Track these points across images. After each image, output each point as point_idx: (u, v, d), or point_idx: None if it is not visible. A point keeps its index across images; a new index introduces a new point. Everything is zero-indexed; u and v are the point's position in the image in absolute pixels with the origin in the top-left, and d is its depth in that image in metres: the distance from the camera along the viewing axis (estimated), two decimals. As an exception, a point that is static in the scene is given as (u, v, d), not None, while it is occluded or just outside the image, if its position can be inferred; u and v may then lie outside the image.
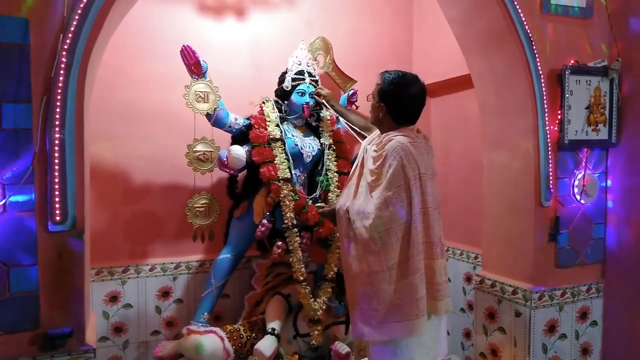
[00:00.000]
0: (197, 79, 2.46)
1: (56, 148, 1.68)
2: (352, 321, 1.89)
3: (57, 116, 1.68)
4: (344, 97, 3.04)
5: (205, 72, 2.48)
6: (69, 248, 1.73)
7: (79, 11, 1.71)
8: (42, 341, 1.70)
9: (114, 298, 2.76)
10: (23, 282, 1.68)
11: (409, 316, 1.76)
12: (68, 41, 1.70)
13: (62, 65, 1.69)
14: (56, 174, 1.69)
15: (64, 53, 1.69)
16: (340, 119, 2.76)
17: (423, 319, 1.77)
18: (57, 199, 1.69)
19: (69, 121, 1.70)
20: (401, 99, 1.92)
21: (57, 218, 1.69)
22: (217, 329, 2.53)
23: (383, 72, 1.98)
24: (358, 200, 1.88)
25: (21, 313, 1.68)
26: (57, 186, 1.69)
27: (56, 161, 1.68)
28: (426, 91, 1.98)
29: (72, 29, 1.71)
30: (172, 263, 2.88)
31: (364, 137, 2.36)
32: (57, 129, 1.68)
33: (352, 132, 2.61)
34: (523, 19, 2.35)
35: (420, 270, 1.79)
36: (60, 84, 1.69)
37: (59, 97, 1.69)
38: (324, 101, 2.73)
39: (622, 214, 2.55)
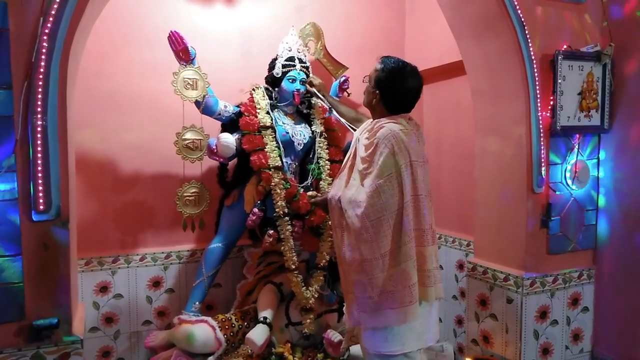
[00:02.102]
0: (186, 66, 2.42)
1: (38, 135, 1.64)
2: (348, 309, 1.89)
3: (39, 102, 1.64)
4: (335, 84, 3.01)
5: (194, 58, 2.44)
6: (54, 238, 1.70)
7: (60, -6, 1.66)
8: (28, 332, 1.67)
9: (104, 288, 2.73)
10: (7, 272, 1.64)
11: (403, 303, 1.76)
12: (49, 25, 1.65)
13: (44, 50, 1.64)
14: (39, 161, 1.64)
15: (44, 37, 1.64)
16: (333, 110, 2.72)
17: (416, 305, 1.78)
18: (40, 188, 1.65)
19: (51, 108, 1.66)
20: (397, 90, 1.90)
21: (41, 207, 1.66)
22: (209, 319, 2.52)
23: (384, 57, 1.94)
24: (350, 190, 1.86)
25: (6, 304, 1.65)
26: (40, 174, 1.65)
27: (39, 149, 1.64)
28: (423, 84, 1.95)
29: (53, 12, 1.65)
30: (162, 253, 2.85)
31: (354, 129, 2.33)
32: (39, 115, 1.64)
33: (344, 122, 2.58)
34: (515, 3, 2.32)
35: (413, 257, 1.78)
36: (41, 70, 1.64)
37: (40, 83, 1.64)
38: (315, 90, 2.69)
39: (613, 200, 2.55)
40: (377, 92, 1.91)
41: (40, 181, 1.65)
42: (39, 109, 1.64)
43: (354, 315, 1.85)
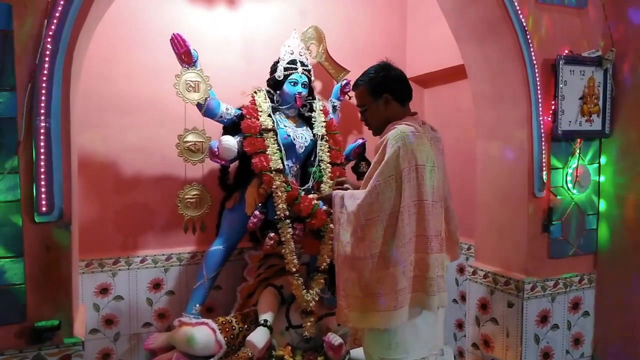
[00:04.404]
0: (188, 68, 2.43)
1: (42, 137, 1.64)
2: (338, 306, 1.86)
3: (43, 104, 1.64)
4: (336, 87, 3.02)
5: (196, 61, 2.45)
6: (56, 240, 1.69)
7: (64, -4, 1.67)
8: (29, 334, 1.67)
9: (104, 290, 2.73)
10: (9, 274, 1.64)
11: (388, 307, 1.72)
12: (53, 27, 1.65)
13: (47, 52, 1.65)
14: (42, 163, 1.64)
15: (48, 39, 1.65)
16: None
17: (401, 311, 1.74)
18: (43, 190, 1.65)
19: (54, 109, 1.66)
20: (396, 79, 1.93)
21: (43, 209, 1.66)
22: (209, 321, 2.52)
23: (359, 77, 1.96)
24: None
25: (7, 306, 1.64)
26: (42, 176, 1.65)
27: (42, 150, 1.64)
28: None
29: (57, 14, 1.66)
30: (163, 255, 2.85)
31: None
32: (42, 117, 1.64)
33: None
34: (517, 8, 2.33)
35: (404, 262, 1.74)
36: (45, 72, 1.64)
37: (44, 85, 1.64)
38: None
39: (614, 205, 2.55)
40: (385, 94, 1.90)
41: (43, 183, 1.65)
42: (43, 111, 1.64)
43: (343, 313, 1.82)
